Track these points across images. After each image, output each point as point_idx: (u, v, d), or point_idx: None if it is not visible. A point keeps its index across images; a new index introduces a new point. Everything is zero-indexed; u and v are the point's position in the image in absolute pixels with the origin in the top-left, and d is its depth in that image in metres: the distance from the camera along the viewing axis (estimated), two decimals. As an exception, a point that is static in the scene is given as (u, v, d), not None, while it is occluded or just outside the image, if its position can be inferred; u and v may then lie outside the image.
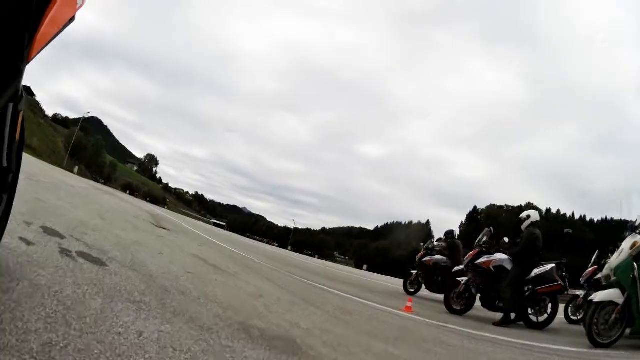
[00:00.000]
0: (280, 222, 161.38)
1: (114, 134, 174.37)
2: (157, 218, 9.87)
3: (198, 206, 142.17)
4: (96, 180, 61.49)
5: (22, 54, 0.80)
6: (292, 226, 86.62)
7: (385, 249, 73.91)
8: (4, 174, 1.12)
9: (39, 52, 0.99)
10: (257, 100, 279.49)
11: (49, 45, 1.07)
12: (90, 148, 70.54)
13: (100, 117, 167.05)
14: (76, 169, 48.42)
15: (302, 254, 45.34)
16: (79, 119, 69.93)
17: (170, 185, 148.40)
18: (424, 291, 7.75)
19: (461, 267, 6.09)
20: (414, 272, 7.86)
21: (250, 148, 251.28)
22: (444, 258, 7.36)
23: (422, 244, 8.61)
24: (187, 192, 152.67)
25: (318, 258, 44.53)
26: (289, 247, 54.13)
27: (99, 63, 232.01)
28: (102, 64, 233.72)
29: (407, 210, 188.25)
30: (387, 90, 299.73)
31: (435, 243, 8.00)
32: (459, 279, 5.66)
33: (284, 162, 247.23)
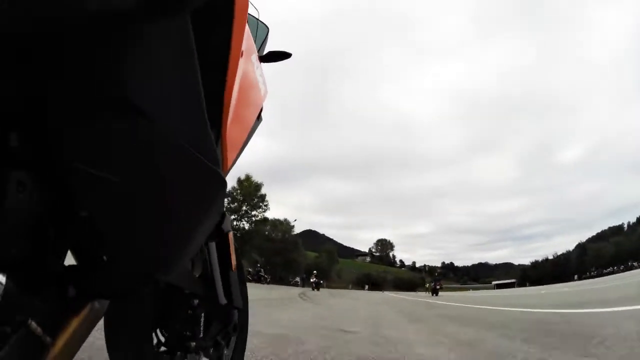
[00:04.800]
0: (521, 261, 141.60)
1: (334, 239, 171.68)
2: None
3: (453, 275, 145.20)
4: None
5: (216, 159, 0.59)
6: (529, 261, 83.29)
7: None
8: (227, 311, 0.99)
9: (234, 163, 0.83)
10: (448, 155, 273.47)
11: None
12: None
13: (315, 229, 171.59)
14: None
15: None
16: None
17: (416, 264, 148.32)
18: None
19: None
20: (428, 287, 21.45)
21: (464, 204, 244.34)
22: (434, 283, 20.84)
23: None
24: (435, 267, 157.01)
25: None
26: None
27: (289, 183, 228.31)
28: (292, 182, 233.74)
29: (630, 193, 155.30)
30: (544, 86, 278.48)
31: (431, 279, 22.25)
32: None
33: (499, 203, 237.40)
